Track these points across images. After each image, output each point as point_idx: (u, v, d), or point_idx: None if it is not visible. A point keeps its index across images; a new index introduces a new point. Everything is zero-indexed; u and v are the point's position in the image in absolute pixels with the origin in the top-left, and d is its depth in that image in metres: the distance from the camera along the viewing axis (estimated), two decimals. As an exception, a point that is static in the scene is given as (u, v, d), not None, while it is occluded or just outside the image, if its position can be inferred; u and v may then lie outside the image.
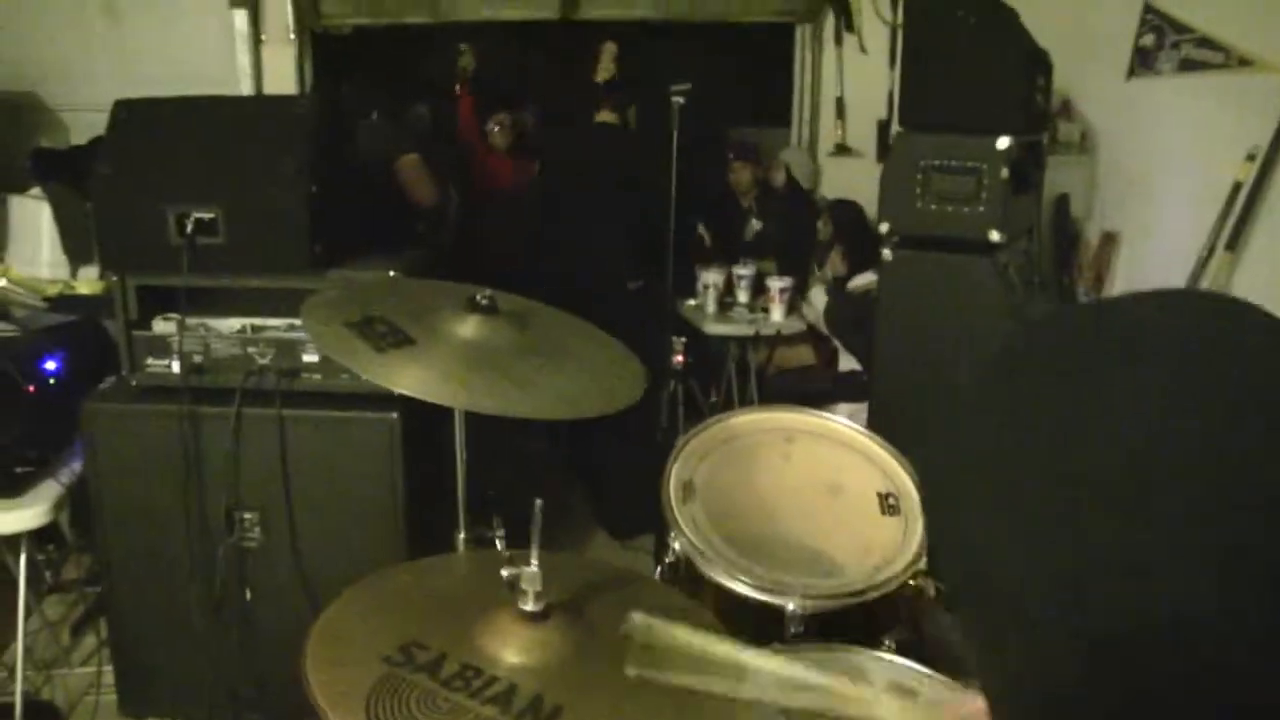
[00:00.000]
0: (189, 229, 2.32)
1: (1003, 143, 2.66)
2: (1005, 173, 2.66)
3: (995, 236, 2.69)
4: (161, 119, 2.44)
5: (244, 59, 4.68)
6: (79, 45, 4.64)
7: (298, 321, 2.54)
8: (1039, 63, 2.94)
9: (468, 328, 1.48)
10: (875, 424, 3.32)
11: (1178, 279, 3.68)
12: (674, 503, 1.70)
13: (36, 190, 4.23)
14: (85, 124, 4.48)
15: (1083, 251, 4.28)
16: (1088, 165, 4.30)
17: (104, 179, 2.36)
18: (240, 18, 4.62)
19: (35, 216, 4.18)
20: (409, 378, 1.43)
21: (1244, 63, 3.53)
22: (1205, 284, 3.58)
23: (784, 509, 1.81)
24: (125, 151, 2.39)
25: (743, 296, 4.55)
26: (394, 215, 3.47)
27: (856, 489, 1.86)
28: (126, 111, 2.44)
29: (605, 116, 4.46)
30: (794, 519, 1.79)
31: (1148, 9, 3.93)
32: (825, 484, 1.87)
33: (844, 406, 4.31)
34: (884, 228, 2.87)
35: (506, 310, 1.50)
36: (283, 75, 4.75)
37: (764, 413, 2.03)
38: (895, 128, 2.92)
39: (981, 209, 2.68)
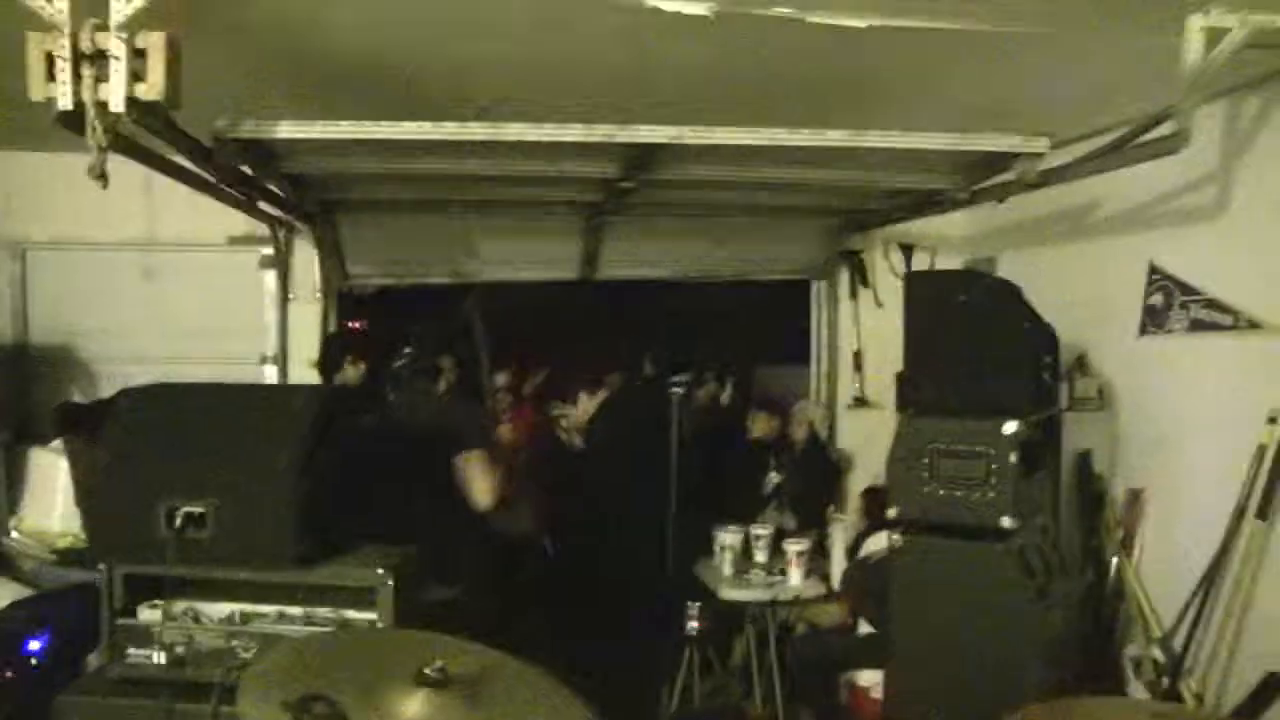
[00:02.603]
0: (178, 522, 2.29)
1: (1009, 427, 2.62)
2: (1014, 457, 2.59)
3: (1007, 523, 2.60)
4: (162, 408, 2.46)
5: (271, 315, 4.85)
6: (115, 302, 4.82)
7: (289, 609, 2.50)
8: (1044, 340, 2.93)
9: (413, 705, 1.38)
10: (890, 696, 3.14)
11: (1210, 540, 3.54)
12: None
13: (57, 443, 4.29)
14: (117, 376, 4.60)
15: (1109, 510, 4.15)
16: (1108, 421, 4.24)
17: (102, 471, 2.36)
18: (270, 278, 4.82)
19: (53, 469, 4.22)
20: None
21: (1253, 325, 3.52)
22: (1238, 554, 3.44)
23: None
24: (123, 442, 2.41)
25: (760, 557, 4.42)
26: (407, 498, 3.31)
27: None
28: (129, 400, 2.47)
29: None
30: None
31: (1153, 270, 3.98)
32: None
33: (867, 673, 4.11)
34: (892, 513, 2.79)
35: (460, 677, 1.40)
36: (308, 326, 4.90)
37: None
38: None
39: (992, 494, 2.61)
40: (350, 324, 6.23)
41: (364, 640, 2.01)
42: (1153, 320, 4.00)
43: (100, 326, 4.84)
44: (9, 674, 2.62)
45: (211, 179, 3.34)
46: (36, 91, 2.33)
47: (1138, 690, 3.70)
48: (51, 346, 4.82)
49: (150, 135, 2.66)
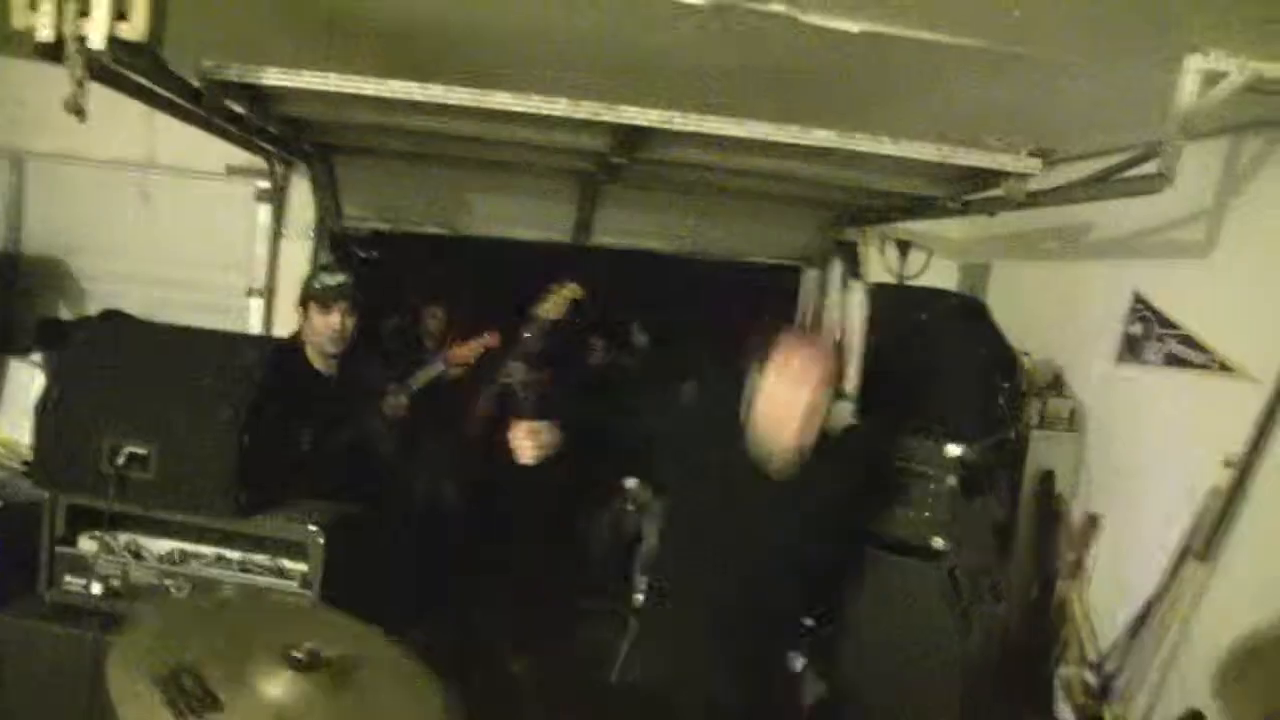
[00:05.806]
0: (121, 460, 2.33)
1: (952, 450, 2.63)
2: (953, 481, 2.62)
3: (939, 544, 2.63)
4: (117, 344, 2.50)
5: (261, 249, 4.84)
6: (111, 222, 4.82)
7: (227, 554, 2.55)
8: (1001, 365, 2.93)
9: (278, 687, 1.41)
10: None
11: (1154, 574, 3.58)
12: None
13: (37, 357, 4.33)
14: (105, 295, 4.63)
15: (1063, 532, 4.17)
16: (1075, 443, 4.25)
17: (51, 401, 2.40)
18: (264, 212, 4.81)
19: (30, 383, 4.26)
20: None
21: (1224, 367, 3.53)
22: (1178, 592, 3.47)
23: None
24: (76, 375, 2.44)
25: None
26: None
27: None
28: (88, 333, 2.51)
29: None
30: None
31: (1137, 299, 3.97)
32: None
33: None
34: (831, 519, 2.82)
35: (329, 660, 1.44)
36: (298, 264, 4.89)
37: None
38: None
39: (927, 514, 2.63)
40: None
41: (241, 611, 2.05)
42: (1131, 349, 4.00)
43: (93, 244, 4.83)
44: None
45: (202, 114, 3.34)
46: (18, 19, 2.33)
47: (1064, 710, 3.76)
48: (43, 259, 4.81)
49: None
